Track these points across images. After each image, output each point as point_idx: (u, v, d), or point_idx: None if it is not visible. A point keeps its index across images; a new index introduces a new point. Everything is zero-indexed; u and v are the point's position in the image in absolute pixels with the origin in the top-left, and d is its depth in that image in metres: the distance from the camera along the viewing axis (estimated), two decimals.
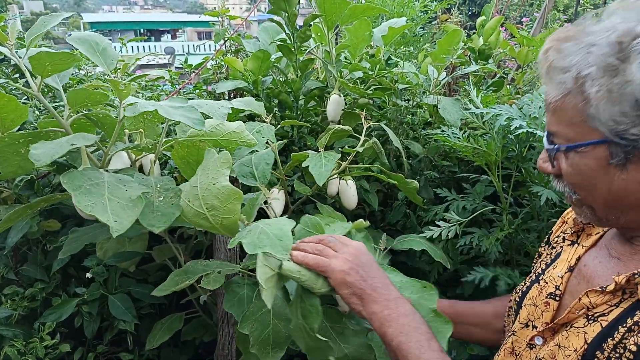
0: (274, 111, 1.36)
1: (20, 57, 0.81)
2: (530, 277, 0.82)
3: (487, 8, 1.75)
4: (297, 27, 1.25)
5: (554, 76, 0.62)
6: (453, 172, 1.48)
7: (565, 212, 0.87)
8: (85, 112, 0.84)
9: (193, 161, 0.92)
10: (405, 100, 1.52)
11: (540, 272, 0.80)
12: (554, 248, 0.82)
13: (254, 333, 0.83)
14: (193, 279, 0.87)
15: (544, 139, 0.69)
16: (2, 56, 1.22)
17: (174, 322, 1.11)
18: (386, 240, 1.14)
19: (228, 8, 1.88)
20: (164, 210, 0.77)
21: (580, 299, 0.65)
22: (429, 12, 2.24)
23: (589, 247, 0.74)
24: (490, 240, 1.10)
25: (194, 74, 1.52)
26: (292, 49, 1.25)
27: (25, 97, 1.29)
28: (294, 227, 0.77)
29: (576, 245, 0.77)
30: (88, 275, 1.09)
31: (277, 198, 1.15)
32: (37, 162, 0.69)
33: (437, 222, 1.17)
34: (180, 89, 1.45)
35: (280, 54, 1.37)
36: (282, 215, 1.19)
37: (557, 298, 0.71)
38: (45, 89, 1.25)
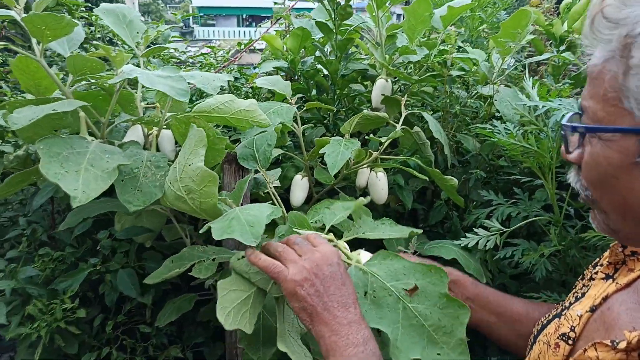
0: (312, 94, 1.28)
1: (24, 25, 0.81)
2: (557, 307, 0.68)
3: None
4: (338, 2, 1.16)
5: (600, 30, 0.50)
6: (511, 174, 1.31)
7: None
8: (90, 81, 0.83)
9: None
10: (464, 89, 1.36)
11: (567, 305, 0.65)
12: (592, 279, 0.66)
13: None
14: (185, 266, 0.83)
15: (565, 118, 0.58)
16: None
17: (184, 303, 1.09)
18: (416, 244, 1.03)
19: None
20: (146, 189, 0.73)
21: (585, 350, 0.50)
22: None
23: (622, 287, 0.57)
24: (534, 256, 0.93)
25: (240, 52, 1.48)
26: (332, 27, 1.16)
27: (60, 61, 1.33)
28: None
29: (610, 280, 0.60)
30: (99, 247, 1.10)
31: (298, 184, 1.08)
32: (13, 125, 0.68)
33: (474, 229, 1.03)
34: (224, 66, 1.42)
35: (324, 35, 1.28)
36: (304, 204, 1.13)
37: (570, 341, 0.56)
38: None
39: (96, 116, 0.84)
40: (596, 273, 0.65)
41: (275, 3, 1.84)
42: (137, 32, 0.99)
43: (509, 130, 1.01)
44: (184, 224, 1.04)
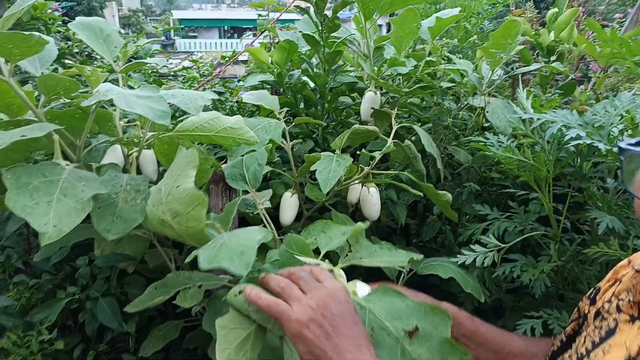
0: (299, 108, 1.25)
1: None
2: (561, 339, 0.64)
3: None
4: (326, 15, 1.13)
5: None
6: (504, 186, 1.29)
7: (619, 264, 0.66)
8: (63, 102, 0.78)
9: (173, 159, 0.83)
10: (453, 101, 1.34)
11: (584, 353, 0.60)
12: (605, 319, 0.61)
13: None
14: (169, 293, 0.78)
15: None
16: None
17: (170, 330, 1.04)
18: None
19: None
20: (127, 215, 0.68)
21: None
22: (497, 5, 2.02)
23: None
24: (535, 272, 0.91)
25: (222, 66, 1.44)
26: (320, 40, 1.12)
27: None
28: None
29: (638, 322, 0.56)
30: (76, 275, 1.05)
31: (288, 202, 1.04)
32: None
33: (471, 246, 0.99)
34: (208, 80, 1.38)
35: (311, 47, 1.25)
36: (295, 222, 1.08)
37: None
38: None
39: (71, 138, 0.79)
40: (609, 312, 0.60)
41: (260, 15, 1.80)
42: (115, 47, 0.94)
43: (503, 143, 0.98)
44: (168, 248, 0.99)
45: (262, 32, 1.54)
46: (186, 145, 0.73)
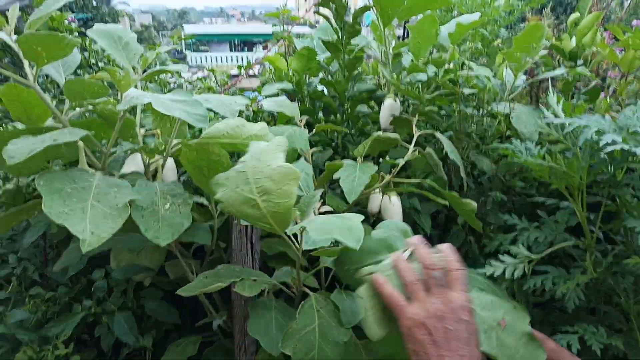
0: (318, 115, 1.22)
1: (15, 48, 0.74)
2: None
3: (582, 3, 1.48)
4: (346, 21, 1.11)
5: None
6: (529, 195, 1.25)
7: None
8: (89, 107, 0.76)
9: (204, 166, 0.80)
10: (475, 108, 1.31)
11: None
12: None
13: (297, 355, 0.71)
14: (225, 282, 0.76)
15: None
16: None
17: (188, 346, 1.01)
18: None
19: (289, 9, 1.79)
20: (171, 221, 0.68)
21: None
22: (513, 12, 1.99)
23: None
24: (569, 286, 0.86)
25: (240, 75, 1.43)
26: (339, 46, 1.10)
27: (54, 90, 1.27)
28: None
29: None
30: (94, 287, 1.03)
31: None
32: (10, 160, 0.61)
33: (500, 257, 0.95)
34: (225, 89, 1.36)
35: (331, 54, 1.23)
36: None
37: None
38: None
39: (97, 145, 0.78)
40: None
41: (274, 25, 1.80)
42: (134, 55, 0.93)
43: (531, 149, 0.95)
44: (189, 259, 0.97)
45: (278, 40, 1.52)
46: (216, 151, 0.72)
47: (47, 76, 1.41)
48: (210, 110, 0.76)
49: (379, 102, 1.31)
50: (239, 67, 1.56)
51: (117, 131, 0.75)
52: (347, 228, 0.63)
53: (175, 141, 0.78)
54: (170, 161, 0.87)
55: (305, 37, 1.55)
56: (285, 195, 0.67)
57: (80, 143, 0.75)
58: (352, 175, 0.85)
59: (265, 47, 1.88)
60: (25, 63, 0.74)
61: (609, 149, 0.77)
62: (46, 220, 1.01)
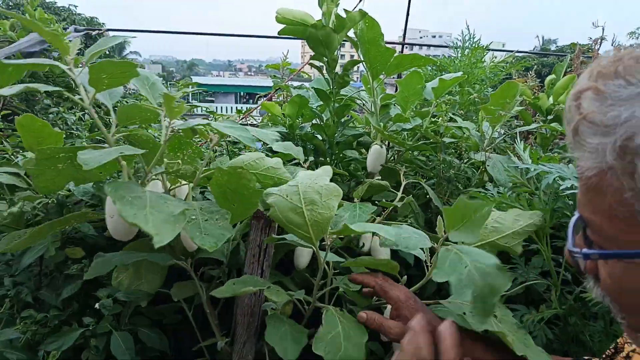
0: (309, 157, 1.31)
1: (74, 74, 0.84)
2: None
3: (558, 67, 1.61)
4: (337, 73, 1.22)
5: (587, 138, 0.39)
6: None
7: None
8: (129, 131, 0.85)
9: (230, 190, 0.89)
10: (455, 156, 1.40)
11: None
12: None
13: (329, 355, 0.79)
14: (254, 288, 0.87)
15: (571, 222, 0.47)
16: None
17: None
18: None
19: (289, 61, 1.93)
20: (213, 231, 0.75)
21: None
22: (499, 74, 2.13)
23: None
24: (534, 319, 0.91)
25: (241, 117, 1.53)
26: (330, 95, 1.21)
27: (61, 125, 1.36)
28: None
29: None
30: (97, 306, 1.06)
31: (302, 249, 1.08)
32: (85, 166, 0.68)
33: None
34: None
35: (322, 102, 1.34)
36: (310, 265, 1.12)
37: None
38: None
39: (142, 165, 0.86)
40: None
41: (274, 77, 1.93)
42: (159, 94, 1.03)
43: (501, 192, 1.02)
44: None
45: (276, 89, 1.64)
46: (247, 177, 0.82)
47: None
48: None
49: (367, 148, 1.41)
50: (239, 111, 1.67)
51: (162, 152, 0.83)
52: (382, 228, 0.78)
53: (203, 168, 0.88)
54: (186, 188, 0.95)
55: (301, 88, 1.67)
56: (328, 208, 0.79)
57: (124, 162, 0.84)
58: (354, 213, 0.94)
59: (265, 96, 2.01)
60: (82, 88, 0.83)
61: (568, 192, 0.85)
62: (44, 243, 1.07)
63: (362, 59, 1.26)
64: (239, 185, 0.85)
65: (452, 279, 0.73)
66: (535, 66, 2.55)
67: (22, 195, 1.12)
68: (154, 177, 0.89)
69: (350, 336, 0.82)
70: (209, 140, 0.88)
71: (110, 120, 0.87)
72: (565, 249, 0.48)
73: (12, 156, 1.14)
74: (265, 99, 1.66)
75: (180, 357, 1.18)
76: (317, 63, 1.24)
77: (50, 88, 0.79)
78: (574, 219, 0.47)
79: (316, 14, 1.26)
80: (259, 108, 1.72)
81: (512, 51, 3.30)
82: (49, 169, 0.85)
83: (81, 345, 1.14)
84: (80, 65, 0.86)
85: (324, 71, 1.22)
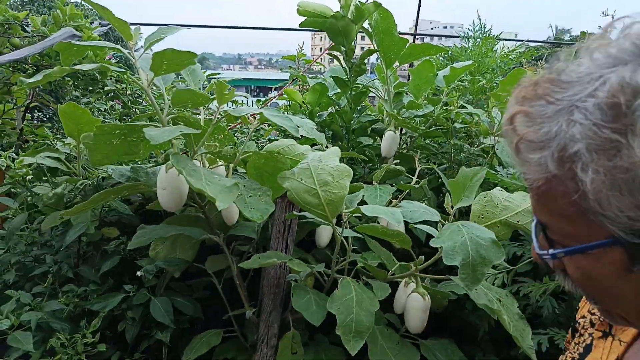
0: (329, 143, 1.38)
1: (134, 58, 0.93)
2: None
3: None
4: (353, 61, 1.29)
5: (528, 154, 0.43)
6: None
7: None
8: (179, 114, 0.94)
9: (267, 172, 0.98)
10: (465, 142, 1.46)
11: None
12: (581, 335, 0.64)
13: (341, 316, 0.87)
14: (278, 261, 0.95)
15: (532, 227, 0.51)
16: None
17: (212, 337, 1.13)
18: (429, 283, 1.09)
19: (304, 52, 2.00)
20: (257, 206, 0.85)
21: None
22: (509, 62, 2.18)
23: (629, 343, 0.53)
24: (539, 290, 0.98)
25: (261, 106, 1.61)
26: (347, 82, 1.28)
27: (109, 114, 1.45)
28: None
29: (610, 338, 0.57)
30: (139, 273, 1.15)
31: (324, 227, 1.16)
32: (152, 141, 0.77)
33: None
34: (234, 126, 1.54)
35: (340, 89, 1.41)
36: (327, 245, 1.20)
37: None
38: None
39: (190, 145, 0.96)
40: (584, 328, 0.64)
41: (290, 68, 2.00)
42: (199, 80, 1.12)
43: (511, 173, 1.09)
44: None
45: (294, 79, 1.71)
46: (282, 160, 0.91)
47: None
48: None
49: (380, 134, 1.48)
50: (258, 101, 1.74)
51: (209, 133, 0.92)
52: (390, 212, 0.85)
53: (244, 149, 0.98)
54: (222, 168, 1.04)
55: (317, 78, 1.74)
56: (341, 187, 0.86)
57: (175, 141, 0.93)
58: (374, 194, 1.02)
59: (278, 89, 2.09)
60: (140, 72, 0.92)
61: (519, 175, 0.91)
62: (85, 222, 1.16)
63: (377, 49, 1.32)
64: (274, 168, 0.94)
65: (445, 245, 0.81)
66: (548, 56, 2.58)
67: (63, 178, 1.21)
68: (197, 154, 0.97)
69: (362, 302, 0.90)
70: (249, 125, 0.95)
71: (162, 103, 0.95)
72: (533, 252, 0.52)
73: (52, 142, 1.23)
74: (281, 90, 1.74)
75: (209, 326, 1.27)
76: (335, 53, 1.30)
77: (120, 70, 0.88)
78: (533, 223, 0.51)
79: (332, 7, 1.33)
80: (275, 98, 1.80)
81: (523, 40, 3.34)
82: (104, 144, 0.94)
83: (116, 317, 1.24)
84: (135, 51, 0.94)
85: (342, 60, 1.29)
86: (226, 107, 0.97)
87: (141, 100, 1.99)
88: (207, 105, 1.08)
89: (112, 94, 1.67)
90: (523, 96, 0.45)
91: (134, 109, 1.73)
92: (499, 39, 1.89)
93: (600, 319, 0.60)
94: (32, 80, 0.86)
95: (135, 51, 0.96)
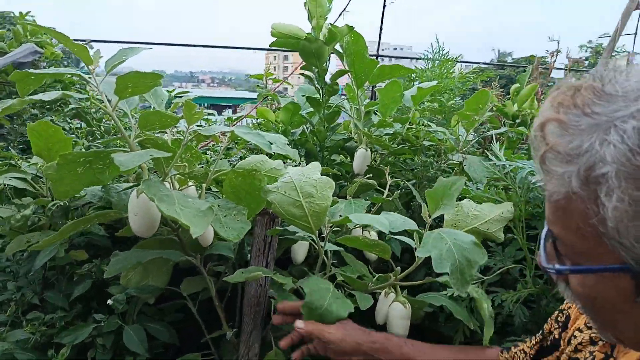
0: (302, 161, 1.40)
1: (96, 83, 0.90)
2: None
3: (521, 77, 1.77)
4: (326, 82, 1.32)
5: (553, 166, 0.42)
6: None
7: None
8: (145, 136, 0.92)
9: (244, 190, 0.97)
10: (434, 159, 1.52)
11: None
12: (579, 351, 0.65)
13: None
14: (264, 274, 0.96)
15: (542, 236, 0.50)
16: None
17: None
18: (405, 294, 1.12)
19: (272, 72, 2.02)
20: (233, 225, 0.83)
21: None
22: (467, 83, 2.30)
23: None
24: (513, 298, 1.03)
25: (232, 124, 1.61)
26: (320, 102, 1.31)
27: (73, 133, 1.41)
28: None
29: None
30: (109, 302, 1.11)
31: (301, 243, 1.17)
32: (122, 167, 0.74)
33: None
34: (206, 144, 1.53)
35: (313, 108, 1.44)
36: (304, 261, 1.21)
37: None
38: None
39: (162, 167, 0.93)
40: (582, 344, 0.64)
41: (258, 87, 2.01)
42: (162, 100, 1.10)
43: (480, 188, 1.15)
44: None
45: (264, 98, 1.73)
46: (259, 177, 0.91)
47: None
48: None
49: (351, 153, 1.51)
50: (229, 119, 1.74)
51: (179, 154, 0.90)
52: (377, 219, 0.88)
53: (216, 168, 0.96)
54: (192, 189, 1.02)
55: (286, 97, 1.76)
56: (324, 199, 0.88)
57: (144, 165, 0.90)
58: (350, 208, 1.04)
59: (234, 112, 2.09)
60: (104, 96, 0.89)
61: (539, 183, 0.97)
62: (54, 246, 1.11)
63: (348, 70, 1.37)
64: (251, 186, 0.94)
65: (433, 254, 0.85)
66: (498, 77, 2.73)
67: (28, 199, 1.16)
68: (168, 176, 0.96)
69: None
70: (219, 143, 0.95)
71: (130, 126, 0.94)
72: (538, 260, 0.52)
73: (17, 162, 1.18)
74: (253, 108, 1.75)
75: (183, 350, 1.24)
76: (307, 73, 1.33)
77: (83, 96, 0.85)
78: (544, 232, 0.49)
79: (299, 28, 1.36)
80: (247, 115, 1.80)
81: (472, 62, 3.51)
82: (69, 173, 0.90)
83: (86, 345, 1.19)
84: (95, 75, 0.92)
85: (314, 80, 1.32)
86: (195, 127, 0.96)
87: (105, 120, 1.94)
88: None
89: (74, 111, 1.62)
90: (559, 102, 0.42)
91: (97, 128, 1.69)
92: (458, 61, 1.99)
93: (603, 341, 0.60)
94: None
95: (96, 75, 0.93)
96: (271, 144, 0.92)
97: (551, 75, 2.64)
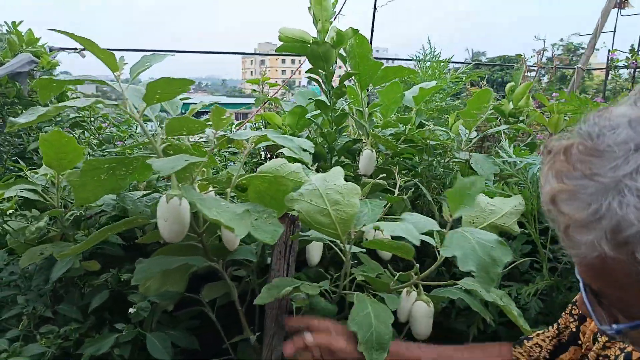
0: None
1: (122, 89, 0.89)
2: (544, 355, 0.75)
3: (516, 75, 1.81)
4: (333, 85, 1.33)
5: (578, 236, 0.42)
6: None
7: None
8: (169, 142, 0.91)
9: (269, 196, 0.97)
10: (439, 157, 1.55)
11: None
12: (608, 347, 0.66)
13: (361, 332, 0.87)
14: (291, 287, 0.94)
15: (584, 298, 0.49)
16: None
17: None
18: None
19: (268, 77, 2.03)
20: (264, 228, 0.83)
21: None
22: (459, 83, 2.34)
23: None
24: (529, 291, 1.06)
25: (234, 130, 1.61)
26: (328, 105, 1.32)
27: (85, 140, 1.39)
28: None
29: None
30: (131, 310, 1.09)
31: (315, 245, 1.18)
32: (159, 172, 0.75)
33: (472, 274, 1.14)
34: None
35: (317, 111, 1.45)
36: (320, 262, 1.21)
37: None
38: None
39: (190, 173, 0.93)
40: (609, 341, 0.66)
41: (254, 91, 2.02)
42: (177, 107, 1.10)
43: (490, 184, 1.17)
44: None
45: (265, 102, 1.73)
46: (285, 183, 0.92)
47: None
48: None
49: (355, 153, 1.53)
50: (231, 124, 1.74)
51: (204, 163, 0.90)
52: (408, 230, 0.86)
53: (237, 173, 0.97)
54: (212, 193, 1.02)
55: (286, 101, 1.77)
56: (351, 205, 0.88)
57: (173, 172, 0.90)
58: (366, 208, 1.04)
59: (259, 107, 2.10)
60: (129, 102, 0.88)
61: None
62: (71, 257, 1.09)
63: (353, 72, 1.38)
64: (277, 192, 0.95)
65: (458, 253, 0.86)
66: (487, 77, 2.79)
67: (36, 212, 1.14)
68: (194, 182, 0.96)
69: (379, 316, 0.92)
70: (242, 148, 0.96)
71: (155, 132, 0.93)
72: (594, 323, 0.52)
73: (26, 174, 1.16)
74: (253, 113, 1.75)
75: (202, 357, 1.23)
76: (314, 76, 1.35)
77: (114, 102, 0.85)
78: (584, 294, 0.48)
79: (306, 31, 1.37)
80: (249, 119, 1.80)
81: (453, 62, 3.56)
82: (92, 179, 0.89)
83: (104, 356, 1.17)
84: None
85: (322, 83, 1.33)
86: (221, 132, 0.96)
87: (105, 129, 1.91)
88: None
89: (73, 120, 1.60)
90: (557, 170, 0.43)
91: (95, 137, 1.67)
92: (452, 62, 2.03)
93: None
94: (23, 120, 0.81)
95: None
96: (304, 150, 0.93)
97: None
